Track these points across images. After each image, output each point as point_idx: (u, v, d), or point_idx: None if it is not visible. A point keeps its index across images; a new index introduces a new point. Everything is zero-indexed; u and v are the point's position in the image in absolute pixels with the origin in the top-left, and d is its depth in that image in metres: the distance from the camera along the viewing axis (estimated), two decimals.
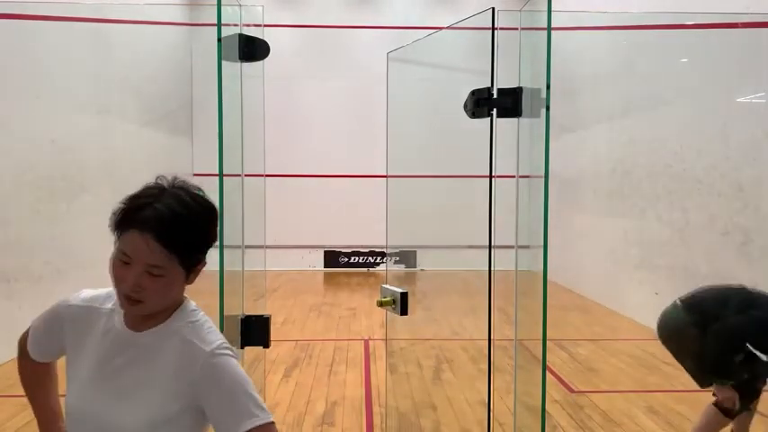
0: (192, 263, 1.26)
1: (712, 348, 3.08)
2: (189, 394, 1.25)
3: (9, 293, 5.55)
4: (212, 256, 1.42)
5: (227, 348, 1.29)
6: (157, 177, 1.27)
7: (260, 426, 1.22)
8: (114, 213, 1.23)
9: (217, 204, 1.37)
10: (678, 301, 3.32)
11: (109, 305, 1.32)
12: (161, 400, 1.24)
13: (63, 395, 1.35)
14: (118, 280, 1.21)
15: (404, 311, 2.62)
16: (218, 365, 1.26)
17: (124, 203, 1.23)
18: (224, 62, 2.00)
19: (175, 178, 1.28)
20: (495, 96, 2.29)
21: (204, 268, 1.30)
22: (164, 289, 1.22)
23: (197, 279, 1.30)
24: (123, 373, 1.26)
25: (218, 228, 1.33)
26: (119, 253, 1.20)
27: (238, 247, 2.24)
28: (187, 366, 1.25)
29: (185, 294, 1.33)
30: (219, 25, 1.95)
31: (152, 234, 1.18)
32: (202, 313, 1.34)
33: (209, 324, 1.33)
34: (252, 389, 1.28)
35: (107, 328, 1.30)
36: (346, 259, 12.39)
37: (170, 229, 1.20)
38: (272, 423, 1.25)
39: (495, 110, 2.29)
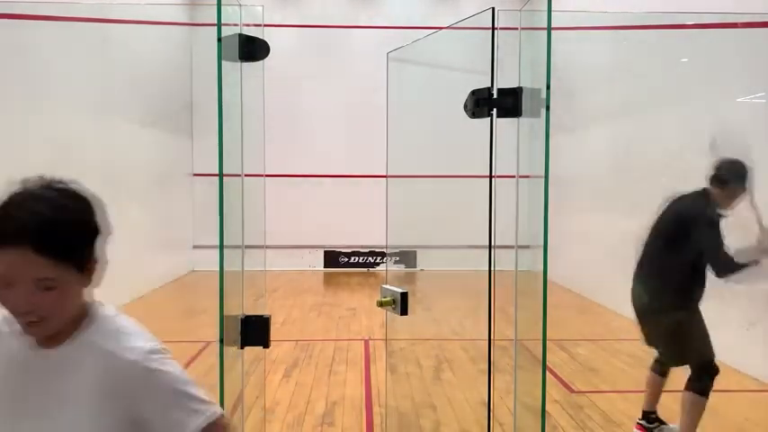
0: (82, 263, 1.15)
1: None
2: (120, 408, 1.16)
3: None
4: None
5: (155, 352, 1.19)
6: (21, 181, 1.16)
7: (209, 424, 1.18)
8: None
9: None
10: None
11: (7, 328, 1.20)
12: (89, 420, 1.15)
13: None
14: (6, 306, 1.10)
15: (404, 311, 2.62)
16: (149, 374, 1.17)
17: None
18: (224, 62, 2.00)
19: (40, 178, 1.17)
20: (495, 96, 2.29)
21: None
22: (61, 300, 1.12)
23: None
24: (41, 396, 1.16)
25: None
26: None
27: (238, 247, 2.24)
28: (113, 381, 1.16)
29: (100, 301, 1.25)
30: (219, 25, 1.95)
31: (29, 247, 1.07)
32: (122, 317, 1.25)
33: (131, 328, 1.23)
34: (192, 387, 1.20)
35: (11, 352, 1.19)
36: (346, 259, 12.39)
37: (47, 235, 1.09)
38: (221, 416, 1.20)
39: (495, 110, 2.29)
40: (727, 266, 3.38)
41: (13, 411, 1.17)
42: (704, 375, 3.56)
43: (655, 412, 4.01)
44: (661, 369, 3.94)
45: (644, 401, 4.03)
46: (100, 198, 1.21)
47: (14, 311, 1.10)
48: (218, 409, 1.20)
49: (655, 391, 3.95)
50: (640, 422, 4.03)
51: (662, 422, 4.01)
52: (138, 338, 1.20)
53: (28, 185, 1.15)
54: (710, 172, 3.56)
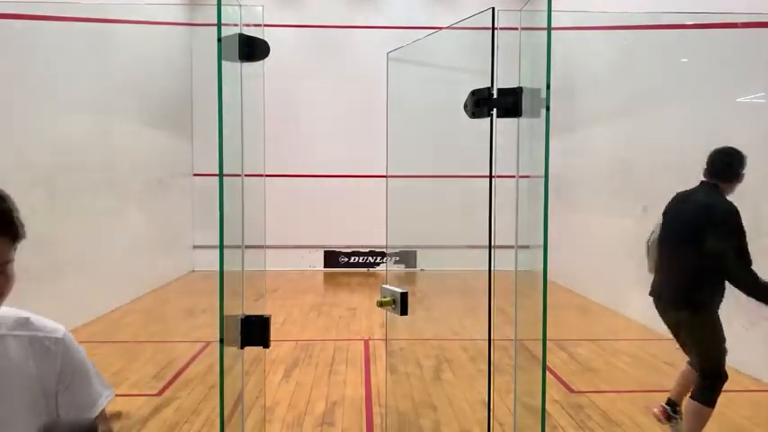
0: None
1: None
2: (52, 388, 1.22)
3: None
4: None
5: (68, 334, 1.28)
6: None
7: (106, 403, 1.30)
8: None
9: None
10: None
11: None
12: (27, 409, 1.19)
13: None
14: None
15: (404, 311, 2.62)
16: (72, 351, 1.26)
17: None
18: (224, 62, 2.00)
19: None
20: (495, 96, 2.29)
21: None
22: (10, 283, 1.17)
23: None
24: None
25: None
26: None
27: (238, 247, 2.24)
28: (44, 361, 1.22)
29: None
30: (219, 25, 1.95)
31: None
32: (16, 309, 1.29)
33: (35, 316, 1.28)
34: (93, 366, 1.31)
35: None
36: (346, 259, 12.39)
37: (12, 219, 1.14)
38: (113, 396, 1.34)
39: (495, 110, 2.29)
40: (751, 282, 3.30)
41: None
42: (709, 383, 3.46)
43: (679, 405, 3.89)
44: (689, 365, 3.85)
45: (672, 390, 3.94)
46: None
47: None
48: (113, 391, 1.33)
49: (685, 383, 3.80)
50: (666, 406, 3.95)
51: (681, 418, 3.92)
52: (49, 322, 1.28)
53: None
54: (718, 166, 3.47)
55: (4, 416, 1.17)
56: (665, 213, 3.68)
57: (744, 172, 3.51)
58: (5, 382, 1.18)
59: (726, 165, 3.46)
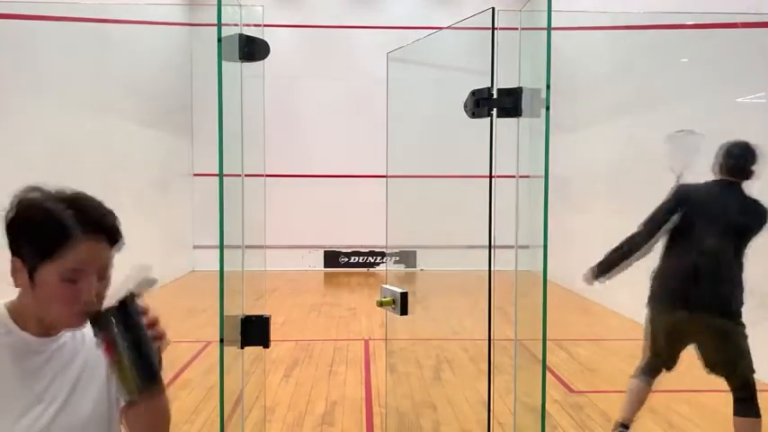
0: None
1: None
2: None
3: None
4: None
5: None
6: (29, 190, 1.15)
7: None
8: (44, 226, 1.09)
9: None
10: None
11: None
12: (98, 392, 1.24)
13: None
14: (65, 301, 1.11)
15: (404, 311, 2.62)
16: None
17: (57, 213, 1.09)
18: (224, 62, 2.00)
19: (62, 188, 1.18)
20: (495, 96, 2.29)
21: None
22: (108, 286, 1.18)
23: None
24: (73, 377, 1.21)
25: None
26: (65, 272, 1.09)
27: (238, 247, 2.24)
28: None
29: None
30: (219, 25, 1.95)
31: (104, 236, 1.13)
32: None
33: None
34: None
35: (8, 348, 1.15)
36: (346, 259, 12.39)
37: (110, 218, 1.17)
38: None
39: (495, 110, 2.29)
40: None
41: (38, 406, 1.16)
42: (750, 393, 3.26)
43: (630, 425, 3.57)
44: (653, 375, 3.55)
45: (625, 410, 3.56)
46: None
47: (74, 306, 1.12)
48: None
49: (640, 401, 3.54)
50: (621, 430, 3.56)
51: None
52: None
53: (45, 189, 1.16)
54: (741, 162, 3.26)
55: (99, 408, 1.23)
56: (693, 208, 3.33)
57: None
58: (86, 366, 1.23)
59: (747, 161, 3.27)
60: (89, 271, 1.12)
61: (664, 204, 3.44)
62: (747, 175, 3.30)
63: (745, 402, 3.26)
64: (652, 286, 3.53)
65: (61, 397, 1.19)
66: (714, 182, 3.40)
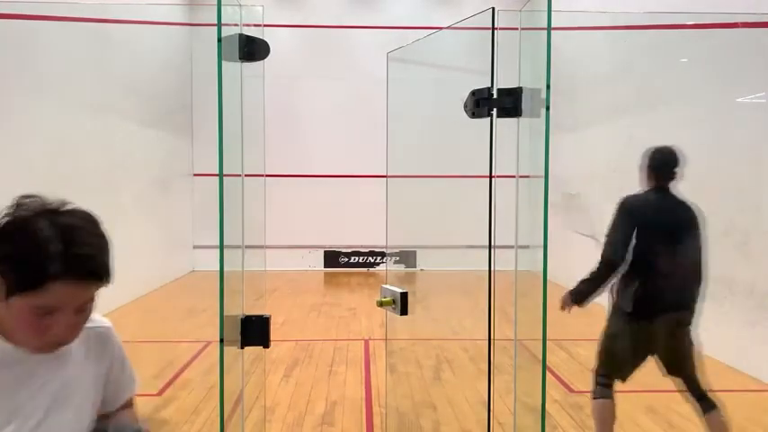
0: None
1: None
2: (104, 375, 1.29)
3: None
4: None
5: None
6: (29, 201, 1.06)
7: (134, 394, 1.39)
8: (26, 260, 1.00)
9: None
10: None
11: None
12: (94, 395, 1.26)
13: None
14: (33, 332, 1.06)
15: (404, 311, 2.62)
16: (118, 340, 1.32)
17: (44, 247, 1.00)
18: (224, 62, 2.00)
19: (62, 202, 1.10)
20: (495, 96, 2.29)
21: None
22: (87, 318, 1.14)
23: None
24: (53, 392, 1.16)
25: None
26: (38, 308, 1.03)
27: (238, 247, 2.24)
28: (102, 351, 1.28)
29: None
30: (219, 25, 1.95)
31: (90, 277, 1.06)
32: None
33: None
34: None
35: (6, 355, 1.11)
36: (346, 259, 12.39)
37: (99, 259, 1.07)
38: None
39: (495, 110, 2.29)
40: None
41: (33, 416, 1.14)
42: (704, 388, 3.33)
43: None
44: (611, 388, 3.54)
45: None
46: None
47: (47, 336, 1.07)
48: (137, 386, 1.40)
49: (614, 415, 3.51)
50: None
51: None
52: (95, 315, 1.26)
53: (66, 211, 1.08)
54: (669, 167, 3.48)
55: (77, 426, 1.21)
56: (645, 221, 3.44)
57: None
58: (79, 370, 1.22)
59: (670, 165, 3.49)
60: (65, 309, 1.06)
61: (620, 223, 3.45)
62: (673, 177, 3.47)
63: (707, 397, 3.34)
64: (620, 300, 3.54)
65: (38, 414, 1.14)
66: (650, 190, 3.51)
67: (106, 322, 1.31)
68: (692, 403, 3.38)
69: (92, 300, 1.12)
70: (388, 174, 3.41)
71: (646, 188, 3.50)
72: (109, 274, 1.09)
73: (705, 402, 3.34)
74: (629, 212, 3.45)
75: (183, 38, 11.62)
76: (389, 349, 4.98)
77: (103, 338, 1.29)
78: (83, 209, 1.13)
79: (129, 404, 1.37)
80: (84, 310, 1.11)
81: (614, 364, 3.55)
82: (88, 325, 1.19)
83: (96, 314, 1.27)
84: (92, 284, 1.08)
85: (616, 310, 3.51)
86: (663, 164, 3.50)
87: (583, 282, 3.55)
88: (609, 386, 3.55)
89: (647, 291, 3.43)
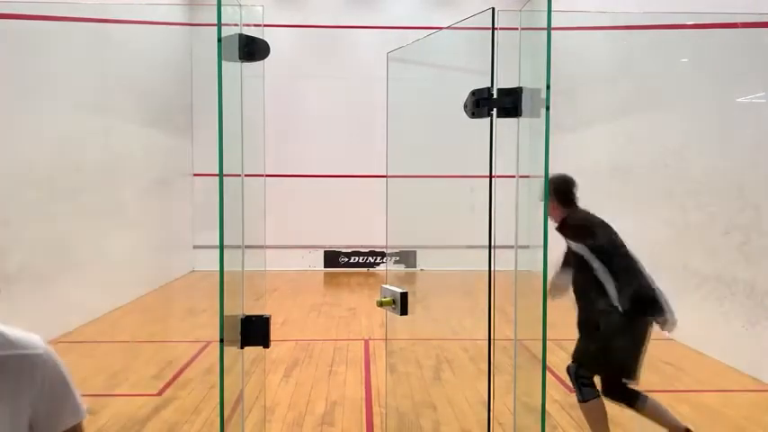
0: None
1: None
2: (29, 405, 1.17)
3: (9, 294, 5.55)
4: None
5: (49, 347, 1.22)
6: None
7: (79, 423, 1.25)
8: None
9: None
10: None
11: None
12: (9, 421, 1.14)
13: None
14: None
15: (404, 311, 2.62)
16: (53, 365, 1.20)
17: None
18: (224, 62, 2.00)
19: None
20: (495, 96, 2.29)
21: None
22: None
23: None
24: None
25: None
26: None
27: (238, 247, 2.24)
28: (28, 378, 1.16)
29: None
30: (219, 25, 1.95)
31: None
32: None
33: (16, 331, 1.20)
34: (73, 385, 1.26)
35: None
36: (346, 259, 12.39)
37: None
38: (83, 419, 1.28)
39: (495, 110, 2.29)
40: None
41: None
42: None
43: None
44: (595, 388, 3.71)
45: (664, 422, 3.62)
46: None
47: None
48: (86, 413, 1.26)
49: (605, 414, 3.67)
50: None
51: None
52: (24, 333, 1.20)
53: None
54: (572, 192, 3.71)
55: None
56: (613, 239, 3.64)
57: None
58: None
59: (574, 186, 3.76)
60: None
61: (596, 243, 3.58)
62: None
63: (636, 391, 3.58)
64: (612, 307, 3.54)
65: None
66: (583, 210, 3.74)
67: (36, 346, 1.19)
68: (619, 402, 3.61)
69: None
70: (388, 174, 3.41)
71: (571, 209, 3.69)
72: None
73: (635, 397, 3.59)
74: (594, 231, 3.68)
75: (182, 38, 11.62)
76: (389, 349, 4.98)
77: (26, 365, 1.16)
78: None
79: None
80: None
81: (628, 365, 3.63)
82: (10, 349, 1.14)
83: (26, 335, 1.19)
84: None
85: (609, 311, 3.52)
86: (568, 188, 3.76)
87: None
88: (593, 385, 3.63)
89: (628, 292, 3.56)
